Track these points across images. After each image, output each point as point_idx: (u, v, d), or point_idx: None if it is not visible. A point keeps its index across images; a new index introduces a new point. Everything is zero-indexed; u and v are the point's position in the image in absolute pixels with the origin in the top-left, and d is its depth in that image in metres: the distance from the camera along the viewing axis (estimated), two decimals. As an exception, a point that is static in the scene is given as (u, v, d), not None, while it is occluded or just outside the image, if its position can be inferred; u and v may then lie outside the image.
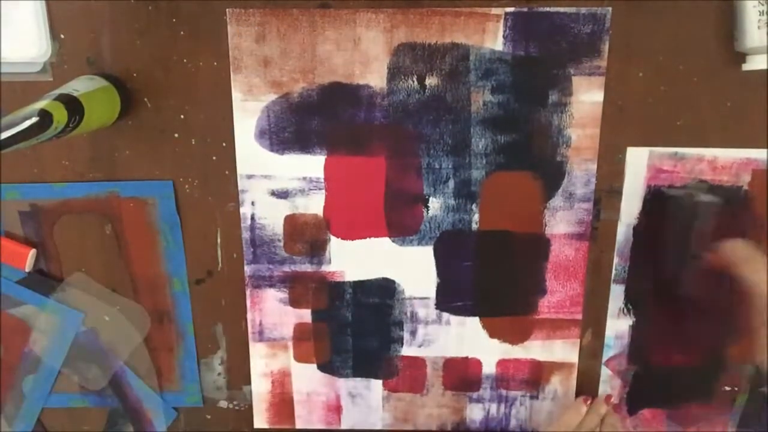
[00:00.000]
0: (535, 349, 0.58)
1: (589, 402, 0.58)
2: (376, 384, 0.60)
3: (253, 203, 0.55)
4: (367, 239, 0.56)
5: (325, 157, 0.54)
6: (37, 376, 0.60)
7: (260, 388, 0.60)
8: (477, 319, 0.57)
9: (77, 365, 0.60)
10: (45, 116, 0.41)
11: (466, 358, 0.58)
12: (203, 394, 0.61)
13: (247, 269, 0.57)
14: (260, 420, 0.61)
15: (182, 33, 0.51)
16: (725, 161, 0.53)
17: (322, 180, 0.54)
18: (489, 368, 0.59)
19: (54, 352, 0.59)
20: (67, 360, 0.59)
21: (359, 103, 0.52)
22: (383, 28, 0.51)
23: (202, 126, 0.53)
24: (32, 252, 0.56)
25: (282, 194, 0.55)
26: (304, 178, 0.54)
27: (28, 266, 0.57)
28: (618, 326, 0.57)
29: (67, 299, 0.58)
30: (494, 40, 0.51)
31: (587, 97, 0.51)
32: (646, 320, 0.57)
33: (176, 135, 0.54)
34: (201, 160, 0.54)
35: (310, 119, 0.53)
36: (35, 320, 0.58)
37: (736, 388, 0.58)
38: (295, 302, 0.58)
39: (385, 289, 0.57)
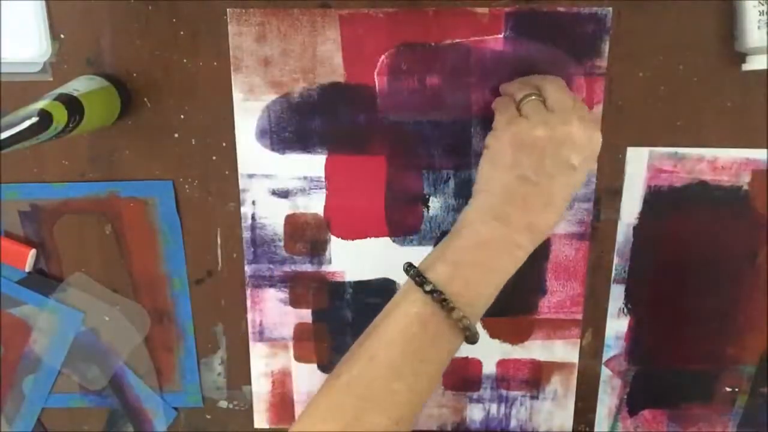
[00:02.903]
0: (535, 349, 0.58)
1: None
2: (376, 384, 0.59)
3: (253, 203, 0.55)
4: (368, 239, 0.56)
5: (326, 156, 0.54)
6: (37, 376, 0.60)
7: (260, 388, 0.60)
8: (477, 319, 0.57)
9: (77, 365, 0.60)
10: (45, 116, 0.41)
11: (466, 358, 0.58)
12: (203, 394, 0.60)
13: (248, 269, 0.57)
14: (260, 420, 0.61)
15: (182, 33, 0.51)
16: (725, 161, 0.53)
17: (323, 179, 0.54)
18: (489, 368, 0.59)
19: (54, 352, 0.59)
20: (67, 360, 0.59)
21: (360, 103, 0.52)
22: (383, 28, 0.51)
23: (202, 126, 0.53)
24: (32, 252, 0.56)
25: (282, 194, 0.55)
26: (305, 178, 0.54)
27: (28, 266, 0.57)
28: (618, 326, 0.57)
29: (67, 299, 0.58)
30: (494, 40, 0.51)
31: (587, 97, 0.51)
32: (646, 320, 0.57)
33: (176, 135, 0.54)
34: (201, 160, 0.54)
35: (311, 119, 0.53)
36: (35, 320, 0.58)
37: (736, 389, 0.58)
38: (295, 302, 0.58)
39: (386, 289, 0.57)
